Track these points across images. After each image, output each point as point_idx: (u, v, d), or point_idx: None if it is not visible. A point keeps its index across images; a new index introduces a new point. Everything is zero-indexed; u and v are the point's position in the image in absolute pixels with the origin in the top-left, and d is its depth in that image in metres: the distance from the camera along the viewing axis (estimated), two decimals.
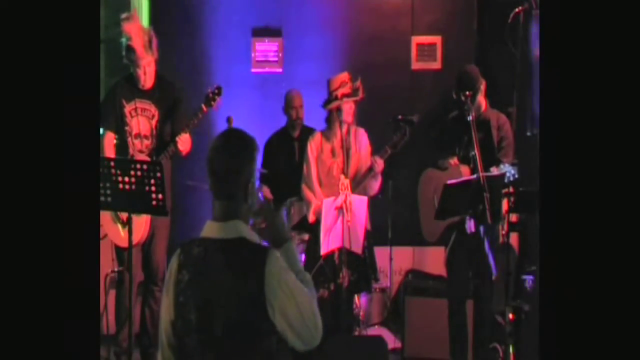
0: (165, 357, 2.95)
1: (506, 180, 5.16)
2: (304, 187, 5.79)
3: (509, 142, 5.44)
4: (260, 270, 2.77)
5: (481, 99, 5.44)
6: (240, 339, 2.80)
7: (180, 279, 2.87)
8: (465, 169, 5.36)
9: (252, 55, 7.56)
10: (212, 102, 5.50)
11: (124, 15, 5.53)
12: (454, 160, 5.43)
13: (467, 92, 5.27)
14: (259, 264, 2.78)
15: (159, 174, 4.76)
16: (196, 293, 2.84)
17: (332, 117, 5.67)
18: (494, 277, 5.41)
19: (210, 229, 2.88)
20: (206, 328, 2.83)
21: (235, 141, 2.87)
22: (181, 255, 2.91)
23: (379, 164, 5.58)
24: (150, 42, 5.47)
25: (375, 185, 5.70)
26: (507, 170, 5.16)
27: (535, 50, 5.60)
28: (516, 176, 5.15)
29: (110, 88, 5.72)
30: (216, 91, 5.52)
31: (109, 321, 5.83)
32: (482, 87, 5.43)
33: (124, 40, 5.53)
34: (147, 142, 5.56)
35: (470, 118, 5.26)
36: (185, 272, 2.87)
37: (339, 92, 5.53)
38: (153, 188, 4.77)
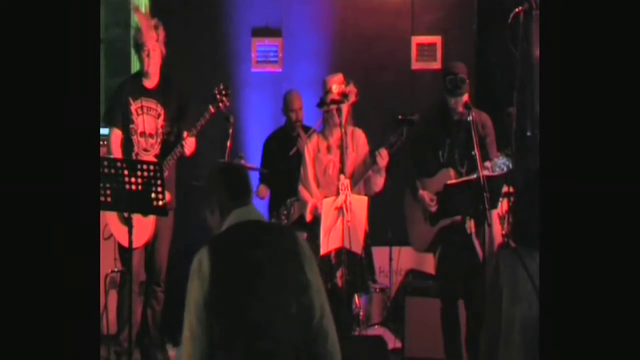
0: (197, 338, 3.03)
1: (500, 171, 5.17)
2: (301, 188, 5.77)
3: (492, 139, 5.46)
4: (296, 248, 3.14)
5: (467, 98, 5.44)
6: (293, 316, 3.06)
7: (216, 267, 3.05)
8: (453, 172, 5.37)
9: (252, 55, 7.56)
10: (220, 103, 5.50)
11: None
12: (424, 193, 5.45)
13: (459, 91, 5.30)
14: (294, 242, 3.16)
15: (160, 175, 4.76)
16: (239, 273, 3.05)
17: (327, 117, 5.66)
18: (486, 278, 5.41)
19: (239, 214, 3.18)
20: (251, 307, 3.02)
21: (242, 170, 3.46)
22: (212, 246, 3.10)
23: (384, 156, 5.48)
24: (156, 26, 5.53)
25: (379, 180, 5.61)
26: (502, 162, 5.16)
27: (535, 50, 5.59)
28: (510, 166, 5.14)
29: (118, 86, 5.75)
30: (223, 91, 5.52)
31: (109, 321, 5.83)
32: (468, 85, 5.44)
33: (133, 30, 5.62)
34: (152, 140, 5.57)
35: (470, 118, 5.26)
36: (221, 258, 3.07)
37: (329, 97, 5.52)
38: (154, 189, 4.77)
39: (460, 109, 5.32)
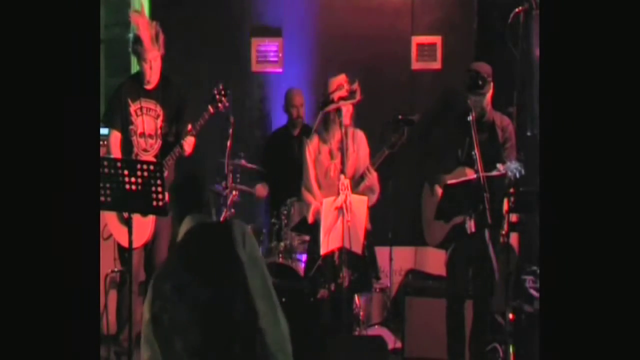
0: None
1: (512, 177, 5.16)
2: (303, 189, 5.76)
3: (512, 143, 5.46)
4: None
5: (489, 99, 5.45)
6: None
7: None
8: (469, 171, 5.36)
9: (252, 55, 7.56)
10: (219, 104, 5.49)
11: (132, 10, 5.60)
12: (439, 188, 5.43)
13: (479, 91, 5.31)
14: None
15: (159, 174, 4.76)
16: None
17: (329, 119, 5.65)
18: (496, 279, 5.41)
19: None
20: None
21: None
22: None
23: (372, 174, 5.51)
24: (157, 36, 5.49)
25: (372, 197, 5.62)
26: (515, 167, 5.16)
27: (535, 50, 5.60)
28: (522, 172, 5.14)
29: (117, 87, 5.74)
30: (222, 92, 5.50)
31: (109, 321, 5.82)
32: (492, 86, 5.43)
33: (131, 35, 5.58)
34: (151, 141, 5.58)
35: (470, 118, 5.26)
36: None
37: (336, 95, 5.50)
38: (154, 188, 4.77)
39: (487, 108, 5.36)
